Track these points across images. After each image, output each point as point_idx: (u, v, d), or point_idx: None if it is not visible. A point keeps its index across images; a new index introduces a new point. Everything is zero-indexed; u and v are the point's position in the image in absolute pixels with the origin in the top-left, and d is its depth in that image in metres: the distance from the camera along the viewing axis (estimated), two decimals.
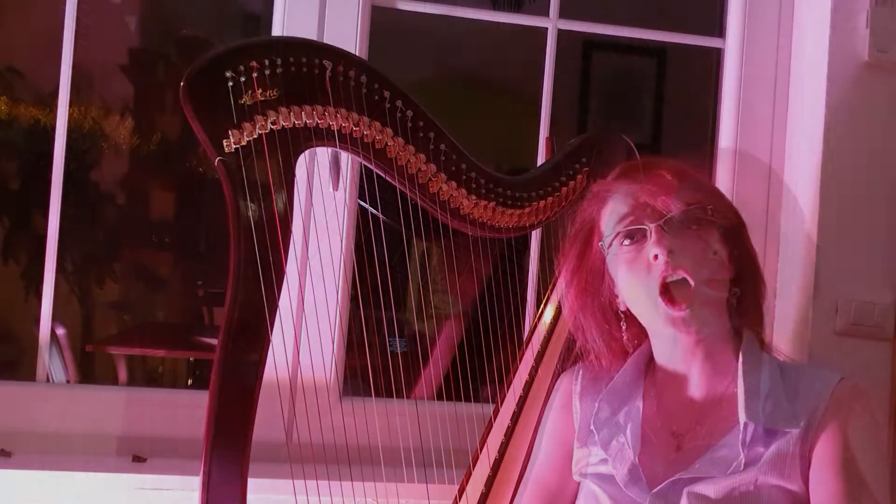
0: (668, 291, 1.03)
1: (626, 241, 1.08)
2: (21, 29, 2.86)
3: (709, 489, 0.99)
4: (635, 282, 1.07)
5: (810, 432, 1.00)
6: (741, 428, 1.02)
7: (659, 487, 1.02)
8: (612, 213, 1.10)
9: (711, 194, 1.12)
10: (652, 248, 1.04)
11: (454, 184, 1.20)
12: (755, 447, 1.01)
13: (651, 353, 1.15)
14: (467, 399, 1.29)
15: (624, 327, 1.14)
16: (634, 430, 1.08)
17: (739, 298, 1.10)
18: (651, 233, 1.05)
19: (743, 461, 1.00)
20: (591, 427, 1.12)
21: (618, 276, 1.10)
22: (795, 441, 1.00)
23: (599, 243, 1.12)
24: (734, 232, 1.10)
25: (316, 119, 1.09)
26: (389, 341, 1.20)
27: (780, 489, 0.99)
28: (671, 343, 1.09)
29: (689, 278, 1.03)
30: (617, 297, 1.13)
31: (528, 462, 1.24)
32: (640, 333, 1.15)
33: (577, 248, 1.16)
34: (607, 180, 1.16)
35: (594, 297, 1.14)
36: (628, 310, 1.13)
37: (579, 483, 1.14)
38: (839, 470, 0.98)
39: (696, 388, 1.09)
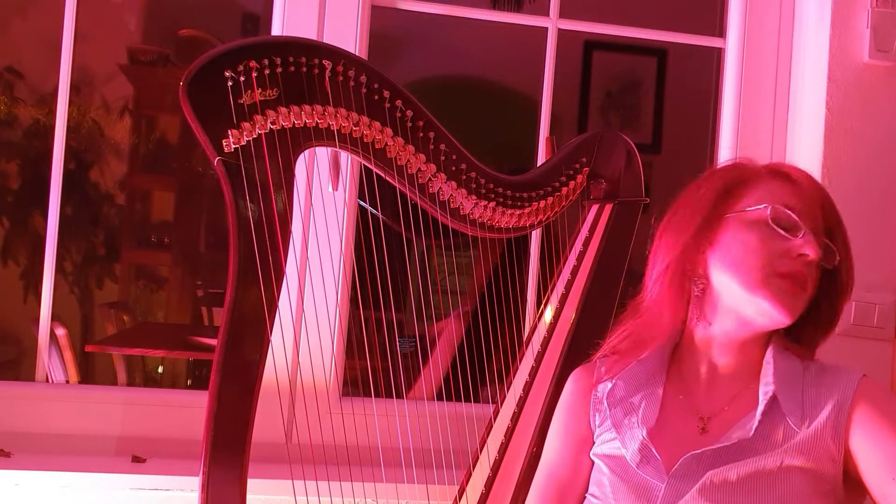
0: (781, 293, 1.05)
1: (777, 223, 1.07)
2: (21, 29, 2.86)
3: (731, 472, 1.00)
4: (756, 256, 1.06)
5: (841, 417, 1.02)
6: (760, 401, 1.04)
7: (676, 467, 1.02)
8: (769, 191, 1.09)
9: (846, 244, 1.13)
10: (806, 248, 1.05)
11: (454, 184, 1.20)
12: (776, 432, 1.02)
13: (675, 348, 1.14)
14: (467, 399, 1.28)
15: (695, 291, 1.11)
16: (649, 410, 1.08)
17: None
18: (810, 236, 1.06)
19: (754, 427, 1.01)
20: (604, 403, 1.13)
21: (736, 242, 1.09)
22: (823, 425, 1.01)
23: (743, 208, 1.09)
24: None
25: (315, 119, 1.08)
26: (400, 341, 1.20)
27: (803, 471, 1.00)
28: (737, 326, 1.09)
29: (806, 293, 1.06)
30: (707, 256, 1.11)
31: (528, 462, 1.24)
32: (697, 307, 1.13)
33: (702, 197, 1.12)
34: (755, 164, 1.14)
35: (683, 248, 1.12)
36: (708, 277, 1.11)
37: (590, 475, 1.14)
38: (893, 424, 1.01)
39: (728, 372, 1.10)
